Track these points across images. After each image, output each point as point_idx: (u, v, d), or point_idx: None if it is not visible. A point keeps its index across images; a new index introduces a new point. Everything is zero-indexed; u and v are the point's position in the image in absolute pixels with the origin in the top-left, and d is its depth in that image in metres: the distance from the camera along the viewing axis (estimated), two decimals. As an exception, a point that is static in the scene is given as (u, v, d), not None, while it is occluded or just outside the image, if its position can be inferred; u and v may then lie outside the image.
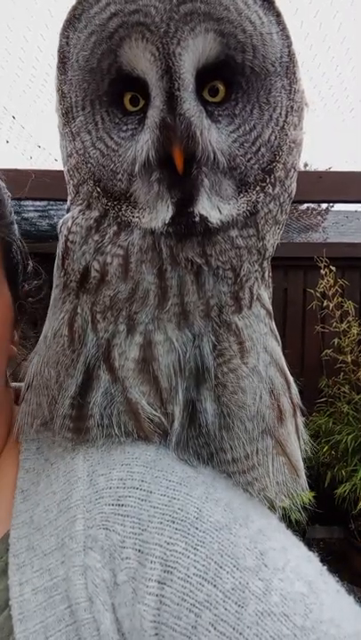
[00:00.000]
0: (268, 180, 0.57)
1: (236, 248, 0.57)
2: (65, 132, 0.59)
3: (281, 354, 0.65)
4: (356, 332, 3.65)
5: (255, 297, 0.62)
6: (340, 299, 3.74)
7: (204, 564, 0.49)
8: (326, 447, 3.40)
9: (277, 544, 0.52)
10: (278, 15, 0.55)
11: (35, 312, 0.75)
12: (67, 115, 0.59)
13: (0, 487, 0.65)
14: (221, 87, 0.56)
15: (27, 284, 0.74)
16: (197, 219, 0.54)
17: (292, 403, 0.66)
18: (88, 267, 0.58)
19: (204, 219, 0.54)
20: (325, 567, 0.54)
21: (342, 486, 3.23)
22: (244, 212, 0.56)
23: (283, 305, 4.27)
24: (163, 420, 0.60)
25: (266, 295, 0.65)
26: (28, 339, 0.76)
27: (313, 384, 3.85)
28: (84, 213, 0.59)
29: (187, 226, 0.54)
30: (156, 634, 0.48)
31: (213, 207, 0.55)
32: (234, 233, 0.57)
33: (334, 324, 3.74)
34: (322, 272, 3.78)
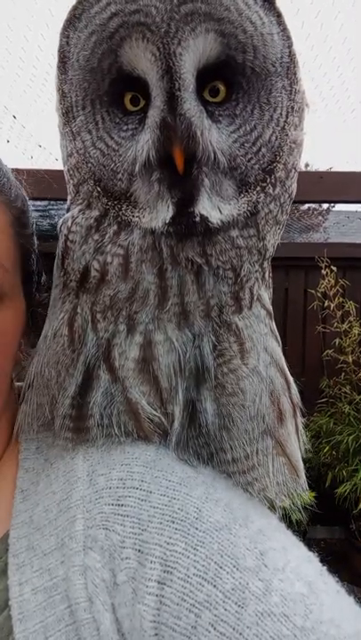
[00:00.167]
0: (268, 181, 0.57)
1: (236, 248, 0.57)
2: (65, 131, 0.59)
3: (281, 354, 0.65)
4: (357, 332, 3.64)
5: (255, 297, 0.62)
6: (341, 299, 3.74)
7: (204, 564, 0.49)
8: (327, 447, 3.39)
9: (277, 544, 0.52)
10: (279, 15, 0.55)
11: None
12: (67, 114, 0.59)
13: (0, 487, 0.65)
14: (222, 87, 0.56)
15: (39, 295, 0.75)
16: (198, 219, 0.54)
17: (292, 403, 0.66)
18: (88, 266, 0.58)
19: (204, 219, 0.54)
20: (326, 567, 0.54)
21: (343, 486, 3.23)
22: (244, 212, 0.56)
23: (284, 305, 4.26)
24: (163, 419, 0.60)
25: (266, 295, 0.65)
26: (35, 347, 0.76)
27: (314, 384, 3.85)
28: (84, 213, 0.59)
29: (187, 226, 0.54)
30: (156, 634, 0.48)
31: (214, 207, 0.55)
32: (234, 233, 0.56)
33: (335, 324, 3.74)
34: (323, 272, 3.77)
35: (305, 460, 0.68)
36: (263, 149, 0.57)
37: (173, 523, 0.52)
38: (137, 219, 0.56)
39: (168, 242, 0.56)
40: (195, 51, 0.52)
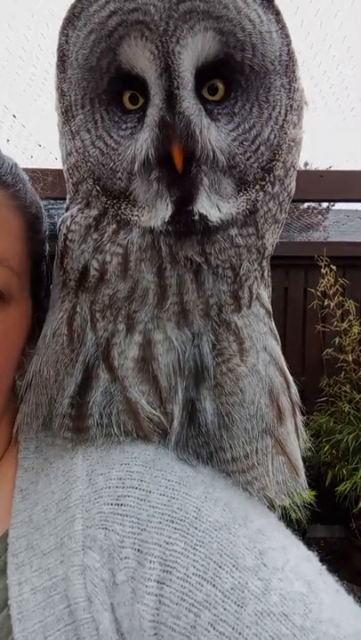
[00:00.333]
0: (267, 179, 0.57)
1: (235, 247, 0.57)
2: (64, 130, 0.59)
3: (280, 353, 0.65)
4: (356, 331, 3.64)
5: (255, 296, 0.62)
6: (340, 298, 3.74)
7: (204, 563, 0.49)
8: (327, 446, 3.39)
9: (277, 543, 0.52)
10: (278, 14, 0.55)
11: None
12: (66, 113, 0.58)
13: None
14: (221, 86, 0.56)
15: (48, 300, 0.75)
16: (197, 217, 0.54)
17: (292, 402, 0.66)
18: (87, 265, 0.58)
19: (203, 217, 0.54)
20: (325, 566, 0.53)
21: (343, 484, 3.23)
22: (243, 210, 0.56)
23: (283, 304, 4.26)
24: (162, 419, 0.60)
25: (265, 294, 0.65)
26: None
27: (314, 383, 3.85)
28: (83, 212, 0.59)
29: (186, 224, 0.54)
30: (155, 634, 0.48)
31: (213, 206, 0.55)
32: (233, 232, 0.56)
33: (335, 323, 3.74)
34: (322, 271, 3.77)
35: (305, 459, 0.68)
36: (262, 148, 0.57)
37: (173, 522, 0.52)
38: (136, 217, 0.56)
39: (167, 241, 0.56)
40: (193, 49, 0.52)
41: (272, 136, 0.57)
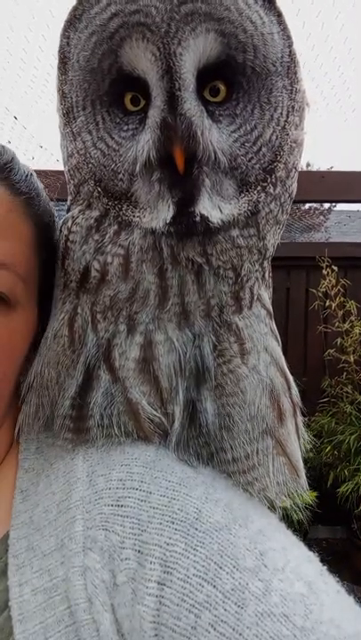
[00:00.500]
0: (269, 180, 0.57)
1: (236, 248, 0.57)
2: (66, 132, 0.59)
3: (281, 354, 0.65)
4: (358, 331, 3.64)
5: (256, 297, 0.62)
6: (342, 298, 3.74)
7: (204, 564, 0.49)
8: (329, 447, 3.39)
9: (277, 544, 0.52)
10: (279, 15, 0.55)
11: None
12: (67, 115, 0.59)
13: (0, 487, 0.65)
14: (222, 87, 0.56)
15: None
16: (198, 218, 0.54)
17: (293, 402, 0.66)
18: (88, 266, 0.58)
19: (204, 218, 0.54)
20: (326, 567, 0.53)
21: (344, 485, 3.22)
22: (245, 211, 0.56)
23: (285, 305, 4.26)
24: (163, 420, 0.60)
25: (266, 295, 0.65)
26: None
27: (315, 384, 3.85)
28: (84, 213, 0.59)
29: (187, 225, 0.54)
30: (156, 634, 0.48)
31: (214, 207, 0.55)
32: (235, 232, 0.56)
33: (337, 323, 3.74)
34: (324, 272, 3.77)
35: (306, 460, 0.68)
36: (264, 149, 0.57)
37: (173, 523, 0.52)
38: (137, 219, 0.56)
39: (168, 242, 0.56)
40: (195, 50, 0.52)
41: (274, 137, 0.57)
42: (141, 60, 0.53)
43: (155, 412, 0.60)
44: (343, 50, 2.84)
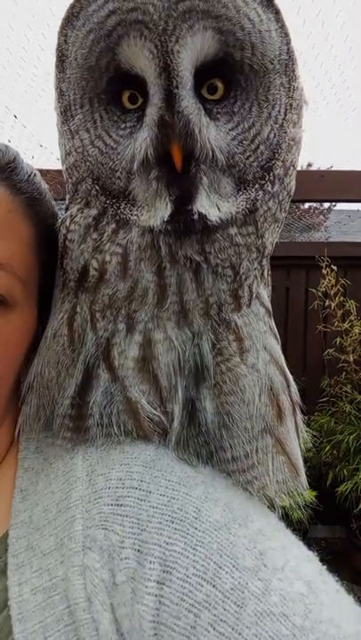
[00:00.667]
0: (267, 178, 0.57)
1: (235, 246, 0.57)
2: (63, 130, 0.59)
3: (280, 352, 0.65)
4: (358, 331, 3.64)
5: (254, 295, 0.62)
6: (341, 298, 3.74)
7: (204, 564, 0.48)
8: (328, 447, 3.39)
9: (277, 544, 0.52)
10: (277, 13, 0.55)
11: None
12: (65, 113, 0.58)
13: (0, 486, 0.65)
14: (220, 85, 0.56)
15: None
16: (196, 216, 0.54)
17: (292, 401, 0.66)
18: (87, 265, 0.58)
19: (202, 216, 0.54)
20: (325, 566, 0.53)
21: (344, 485, 3.23)
22: (243, 209, 0.56)
23: (285, 304, 4.26)
24: (162, 418, 0.60)
25: (265, 293, 0.65)
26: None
27: (315, 384, 3.85)
28: (82, 212, 0.59)
29: (185, 224, 0.54)
30: (155, 634, 0.48)
31: (212, 205, 0.55)
32: (233, 231, 0.56)
33: (336, 323, 3.74)
34: (324, 271, 3.77)
35: (305, 459, 0.68)
36: (262, 147, 0.56)
37: (173, 523, 0.52)
38: (135, 217, 0.56)
39: (167, 240, 0.55)
40: (192, 48, 0.52)
41: (272, 135, 0.57)
42: (139, 57, 0.52)
43: (154, 411, 0.59)
44: (343, 48, 2.84)
